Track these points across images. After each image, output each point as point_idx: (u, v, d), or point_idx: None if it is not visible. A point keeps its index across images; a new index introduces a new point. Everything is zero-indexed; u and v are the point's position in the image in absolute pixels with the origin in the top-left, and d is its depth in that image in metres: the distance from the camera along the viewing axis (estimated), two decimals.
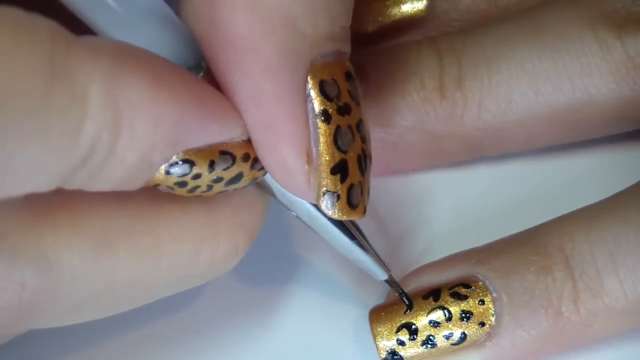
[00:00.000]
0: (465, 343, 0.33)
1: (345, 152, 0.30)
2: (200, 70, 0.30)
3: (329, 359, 0.36)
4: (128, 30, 0.29)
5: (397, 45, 0.39)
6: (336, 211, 0.30)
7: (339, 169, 0.30)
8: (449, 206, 0.39)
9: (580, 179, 0.39)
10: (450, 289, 0.34)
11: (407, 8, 0.40)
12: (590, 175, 0.39)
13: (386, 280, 0.34)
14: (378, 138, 0.38)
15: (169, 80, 0.27)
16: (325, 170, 0.30)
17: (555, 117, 0.37)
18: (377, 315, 0.34)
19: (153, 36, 0.29)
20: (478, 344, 0.34)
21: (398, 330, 0.34)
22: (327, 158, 0.30)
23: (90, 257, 0.28)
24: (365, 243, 0.33)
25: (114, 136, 0.26)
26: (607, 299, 0.33)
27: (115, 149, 0.27)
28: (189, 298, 0.37)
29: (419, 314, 0.34)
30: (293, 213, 0.32)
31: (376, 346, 0.34)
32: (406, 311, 0.34)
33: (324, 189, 0.30)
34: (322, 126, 0.30)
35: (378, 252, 0.35)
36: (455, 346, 0.34)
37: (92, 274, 0.28)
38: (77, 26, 0.28)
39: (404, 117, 0.37)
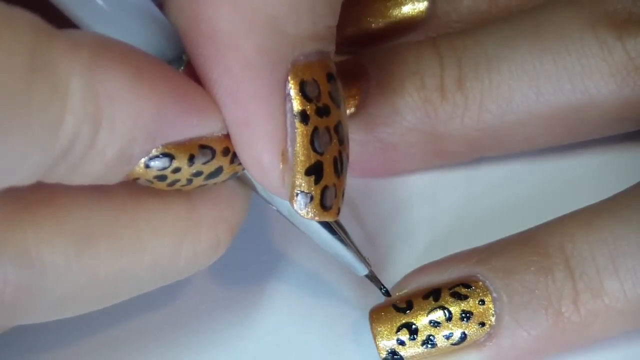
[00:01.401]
0: (465, 343, 0.33)
1: (321, 154, 0.30)
2: (181, 64, 0.30)
3: (329, 359, 0.36)
4: (109, 23, 0.29)
5: (398, 45, 0.39)
6: (308, 212, 0.31)
7: (314, 171, 0.30)
8: (449, 206, 0.39)
9: (580, 179, 0.39)
10: (451, 288, 0.34)
11: (408, 9, 0.40)
12: (591, 176, 0.39)
13: (366, 276, 0.34)
14: (378, 138, 0.38)
15: (149, 74, 0.27)
16: (299, 171, 0.30)
17: (556, 118, 0.37)
18: (377, 314, 0.34)
19: (133, 28, 0.29)
20: (478, 344, 0.33)
21: (398, 330, 0.34)
22: (302, 159, 0.30)
23: (72, 253, 0.28)
24: (345, 238, 0.33)
25: (93, 129, 0.26)
26: (607, 300, 0.33)
27: (95, 143, 0.27)
28: (189, 299, 0.37)
29: (419, 313, 0.34)
30: (274, 207, 0.32)
31: (376, 346, 0.34)
32: (405, 310, 0.34)
33: (298, 189, 0.30)
34: (299, 126, 0.30)
35: (378, 252, 0.35)
36: (456, 346, 0.34)
37: (75, 269, 0.28)
38: (59, 19, 0.28)
39: (404, 117, 0.38)
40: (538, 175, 0.39)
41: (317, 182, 0.30)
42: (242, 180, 0.32)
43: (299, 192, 0.30)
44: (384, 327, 0.34)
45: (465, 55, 0.38)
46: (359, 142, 0.38)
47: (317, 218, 0.31)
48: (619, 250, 0.33)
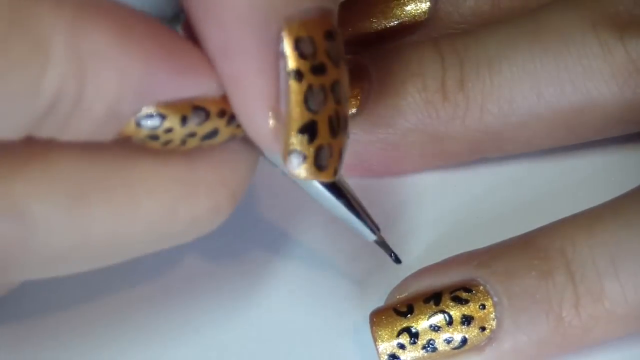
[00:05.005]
0: (466, 347, 0.33)
1: (315, 113, 0.29)
2: (178, 22, 0.30)
3: (328, 359, 0.36)
4: None
5: (400, 46, 0.39)
6: (302, 171, 0.30)
7: (307, 129, 0.29)
8: (450, 207, 0.39)
9: (582, 181, 0.39)
10: (451, 292, 0.34)
11: (410, 9, 0.40)
12: (592, 177, 0.39)
13: (375, 242, 0.34)
14: (380, 138, 0.38)
15: (137, 32, 0.27)
16: (293, 130, 0.29)
17: (557, 119, 0.37)
18: (378, 318, 0.34)
19: None
20: (479, 348, 0.33)
21: (399, 334, 0.34)
22: (295, 117, 0.29)
23: (63, 208, 0.28)
24: (354, 202, 0.33)
25: (78, 87, 0.26)
26: (607, 304, 0.33)
27: (81, 100, 0.27)
28: (190, 298, 0.37)
29: (420, 318, 0.34)
30: (280, 171, 0.32)
31: (376, 349, 0.34)
32: (406, 314, 0.34)
33: (290, 148, 0.30)
34: (292, 84, 0.29)
35: (379, 252, 0.35)
36: (456, 350, 0.34)
37: (66, 226, 0.28)
38: None
39: (406, 118, 0.38)
40: (539, 176, 0.39)
41: (311, 141, 0.30)
42: (249, 143, 0.31)
43: (292, 150, 0.30)
44: (385, 330, 0.34)
45: (467, 56, 0.38)
46: (360, 142, 0.38)
47: (311, 178, 0.30)
48: (620, 254, 0.33)
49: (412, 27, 0.40)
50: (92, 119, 0.27)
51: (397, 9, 0.40)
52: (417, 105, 0.37)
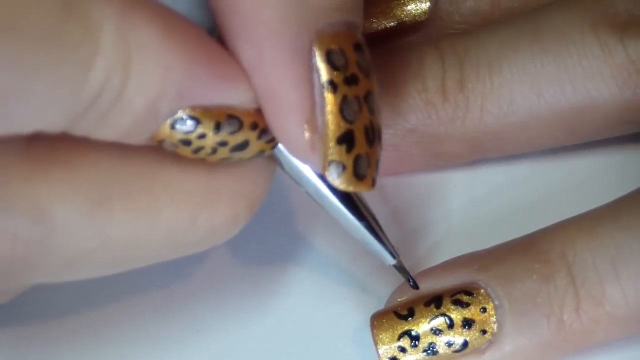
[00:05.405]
0: (466, 350, 0.34)
1: (351, 122, 0.30)
2: (214, 36, 0.30)
3: (329, 359, 0.36)
4: None
5: (400, 46, 0.39)
6: (342, 182, 0.30)
7: (345, 139, 0.30)
8: (450, 208, 0.39)
9: (582, 181, 0.39)
10: (452, 296, 0.34)
11: (410, 9, 0.40)
12: (593, 178, 0.39)
13: (394, 266, 0.34)
14: None
15: (181, 32, 0.28)
16: (331, 140, 0.30)
17: (557, 120, 0.37)
18: (379, 321, 0.34)
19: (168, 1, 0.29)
20: (479, 351, 0.34)
21: (399, 337, 0.34)
22: (333, 128, 0.30)
23: (84, 211, 0.28)
24: (375, 225, 0.33)
25: (123, 77, 0.27)
26: (608, 307, 0.33)
27: (123, 93, 0.27)
28: (191, 297, 0.37)
29: (421, 321, 0.34)
30: (303, 189, 0.32)
31: (377, 352, 0.34)
32: (407, 317, 0.34)
33: (330, 158, 0.30)
34: (327, 96, 0.29)
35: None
36: (457, 353, 0.34)
37: (86, 228, 0.28)
38: None
39: (406, 119, 0.37)
40: (539, 176, 0.39)
41: (348, 151, 0.30)
42: (271, 159, 0.32)
43: (331, 161, 0.30)
44: (386, 334, 0.34)
45: (467, 57, 0.38)
46: None
47: (351, 188, 0.30)
48: (620, 257, 0.33)
49: (412, 27, 0.40)
50: (131, 114, 0.27)
51: (397, 9, 0.40)
52: (417, 106, 0.37)
